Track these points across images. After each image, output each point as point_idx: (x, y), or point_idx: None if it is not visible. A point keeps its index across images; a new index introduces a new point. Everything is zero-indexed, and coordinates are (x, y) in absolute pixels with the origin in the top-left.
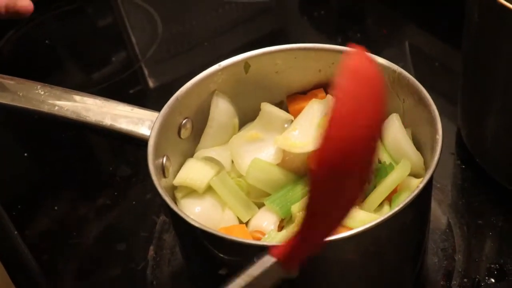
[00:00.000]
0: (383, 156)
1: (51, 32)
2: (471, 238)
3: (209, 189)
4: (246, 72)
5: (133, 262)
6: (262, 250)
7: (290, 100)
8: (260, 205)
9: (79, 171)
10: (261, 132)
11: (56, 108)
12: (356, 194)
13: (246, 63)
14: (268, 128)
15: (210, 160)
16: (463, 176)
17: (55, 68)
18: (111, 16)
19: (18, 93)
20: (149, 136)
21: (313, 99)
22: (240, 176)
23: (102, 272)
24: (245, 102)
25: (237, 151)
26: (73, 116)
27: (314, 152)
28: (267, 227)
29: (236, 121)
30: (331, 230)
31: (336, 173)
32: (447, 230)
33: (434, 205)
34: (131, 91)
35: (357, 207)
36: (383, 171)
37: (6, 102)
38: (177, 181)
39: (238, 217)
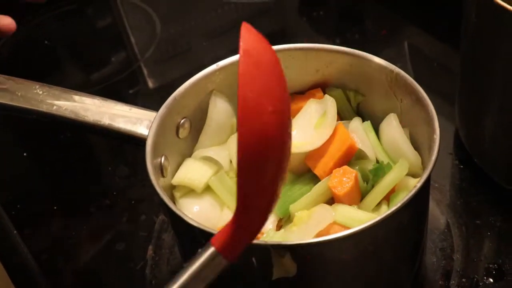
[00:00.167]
0: (381, 156)
1: (51, 33)
2: (469, 238)
3: (207, 188)
4: None
5: (132, 261)
6: (260, 249)
7: None
8: None
9: (78, 171)
10: None
11: (55, 107)
12: (276, 176)
13: None
14: None
15: (208, 159)
16: (461, 176)
17: (55, 69)
18: (110, 17)
19: (17, 92)
20: (147, 135)
21: (311, 99)
22: None
23: (101, 272)
24: None
25: (235, 151)
26: (72, 116)
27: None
28: (266, 226)
29: (234, 120)
30: (264, 215)
31: (255, 158)
32: (446, 230)
33: (432, 205)
34: (130, 91)
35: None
36: (381, 171)
37: (4, 102)
38: (176, 180)
39: None
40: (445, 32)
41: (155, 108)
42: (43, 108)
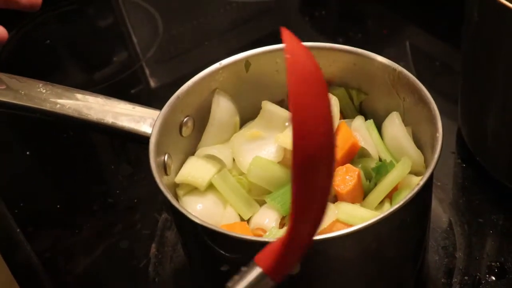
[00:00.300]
0: (384, 154)
1: (52, 33)
2: (471, 236)
3: (210, 186)
4: (247, 70)
5: (135, 259)
6: (263, 246)
7: None
8: (261, 203)
9: (81, 170)
10: (262, 130)
11: (58, 106)
12: (328, 186)
13: (246, 62)
14: (269, 127)
15: (211, 158)
16: (463, 174)
17: (56, 69)
18: (112, 16)
19: (20, 91)
20: (151, 134)
21: None
22: (242, 173)
23: (104, 270)
24: (246, 100)
25: (239, 149)
26: (75, 114)
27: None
28: (269, 225)
29: (237, 119)
30: (316, 226)
31: (309, 170)
32: (448, 228)
33: (435, 203)
34: (132, 91)
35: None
36: (383, 169)
37: (8, 100)
38: (179, 178)
39: (239, 215)
40: (446, 31)
41: (157, 107)
42: (47, 106)
